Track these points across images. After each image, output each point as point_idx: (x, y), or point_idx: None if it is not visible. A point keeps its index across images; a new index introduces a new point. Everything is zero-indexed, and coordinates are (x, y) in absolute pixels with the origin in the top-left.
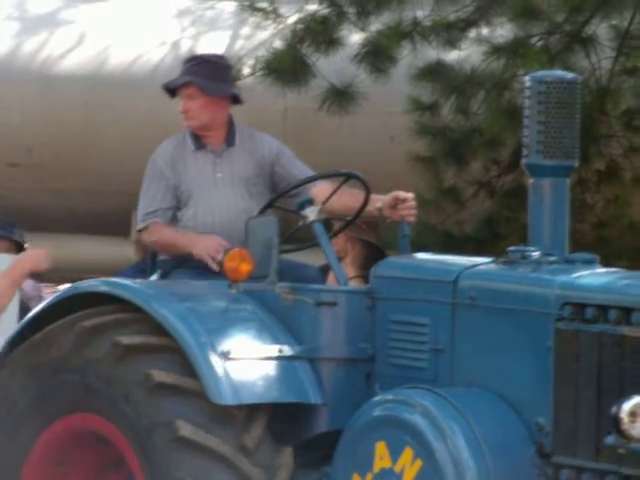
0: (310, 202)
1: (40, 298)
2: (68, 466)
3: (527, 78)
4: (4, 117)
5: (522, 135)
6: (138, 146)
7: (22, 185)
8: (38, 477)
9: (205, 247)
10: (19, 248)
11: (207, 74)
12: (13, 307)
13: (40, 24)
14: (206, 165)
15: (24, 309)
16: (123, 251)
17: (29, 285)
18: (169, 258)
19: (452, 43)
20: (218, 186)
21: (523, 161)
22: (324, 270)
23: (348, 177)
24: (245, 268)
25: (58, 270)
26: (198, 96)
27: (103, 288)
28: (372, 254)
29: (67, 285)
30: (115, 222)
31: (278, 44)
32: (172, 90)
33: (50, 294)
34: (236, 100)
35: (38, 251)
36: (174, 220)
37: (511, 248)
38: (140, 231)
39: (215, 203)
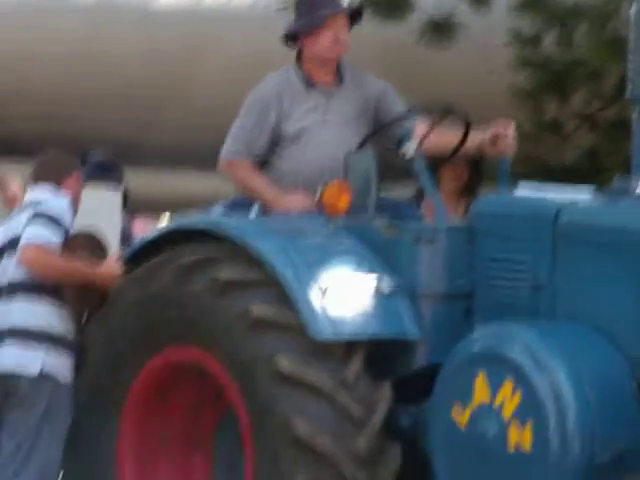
0: (409, 137)
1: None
2: (170, 398)
3: (633, 7)
4: (104, 49)
5: (626, 67)
6: (236, 79)
7: (120, 117)
8: (141, 407)
9: (289, 203)
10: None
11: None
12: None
13: None
14: (317, 104)
15: (124, 241)
16: (219, 185)
17: (126, 218)
18: None
19: None
20: (328, 125)
21: (627, 93)
22: (416, 199)
23: (447, 112)
24: (343, 203)
25: (159, 203)
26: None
27: (203, 224)
28: (468, 188)
29: (165, 216)
30: (212, 156)
31: None
32: (292, 36)
33: (150, 228)
34: None
35: (113, 268)
36: (263, 164)
37: (615, 179)
38: (224, 163)
39: (324, 142)
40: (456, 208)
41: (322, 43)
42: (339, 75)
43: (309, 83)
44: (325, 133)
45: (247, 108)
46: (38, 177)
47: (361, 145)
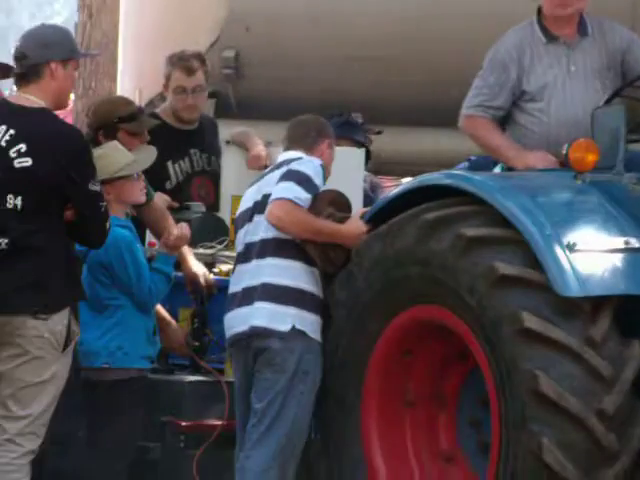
0: None
1: (382, 190)
2: (413, 356)
3: None
4: (346, 11)
5: None
6: (477, 37)
7: (365, 79)
8: (385, 366)
9: (532, 161)
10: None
11: None
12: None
13: None
14: (559, 58)
15: (368, 200)
16: (460, 144)
17: (369, 177)
18: None
19: None
20: (572, 79)
21: None
22: None
23: None
24: (591, 158)
25: (401, 163)
26: None
27: (446, 181)
28: None
29: (408, 178)
30: (455, 114)
31: None
32: None
33: (392, 187)
34: None
35: (357, 227)
36: (505, 121)
37: None
38: (464, 120)
39: (569, 97)
40: None
41: (547, 3)
42: (582, 27)
43: (550, 37)
44: (569, 87)
45: (488, 65)
46: (291, 140)
47: (609, 99)
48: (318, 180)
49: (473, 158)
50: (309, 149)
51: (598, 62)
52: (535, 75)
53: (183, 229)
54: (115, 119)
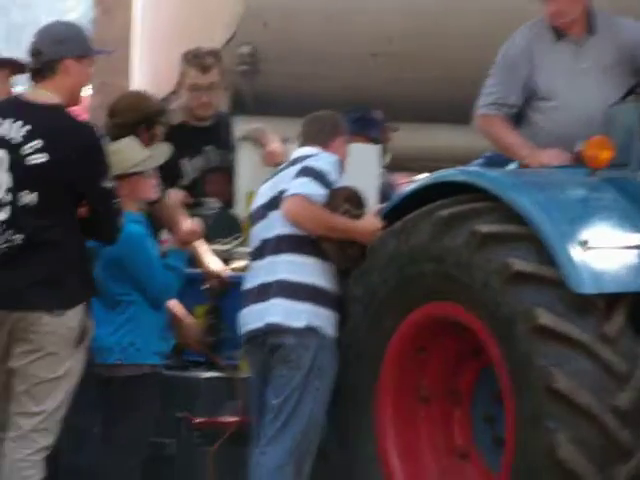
0: None
1: (396, 187)
2: (428, 352)
3: None
4: (363, 6)
5: None
6: (491, 34)
7: (382, 75)
8: (399, 362)
9: (545, 159)
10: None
11: None
12: (372, 195)
13: None
14: (569, 55)
15: (384, 196)
16: (476, 141)
17: (385, 173)
18: None
19: None
20: (582, 77)
21: None
22: None
23: None
24: (605, 155)
25: (416, 159)
26: None
27: (460, 177)
28: None
29: (425, 174)
30: (470, 111)
31: None
32: None
33: (407, 183)
34: None
35: (373, 223)
36: (519, 119)
37: None
38: (478, 119)
39: (580, 94)
40: None
41: (547, 12)
42: (590, 24)
43: (559, 34)
44: (580, 84)
45: (499, 63)
46: (306, 136)
47: (624, 97)
48: (334, 176)
49: (488, 154)
50: (324, 145)
51: (609, 58)
52: (546, 73)
53: (194, 224)
54: (155, 113)
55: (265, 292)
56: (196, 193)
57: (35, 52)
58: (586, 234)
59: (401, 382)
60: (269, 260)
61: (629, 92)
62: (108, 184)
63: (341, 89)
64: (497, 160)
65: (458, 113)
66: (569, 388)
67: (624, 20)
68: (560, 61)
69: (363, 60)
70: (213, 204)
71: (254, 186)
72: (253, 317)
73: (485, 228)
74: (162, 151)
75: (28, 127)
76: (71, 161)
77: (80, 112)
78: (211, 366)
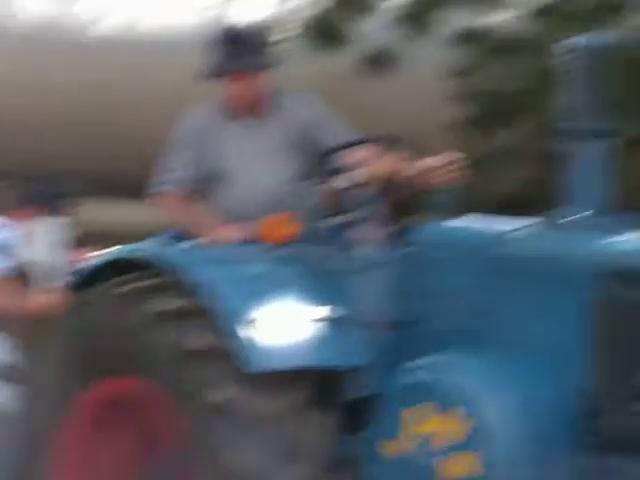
0: (338, 171)
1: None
2: (107, 431)
3: (564, 42)
4: (34, 80)
5: (558, 99)
6: (167, 108)
7: (53, 148)
8: (76, 442)
9: (224, 234)
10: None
11: (247, 51)
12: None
13: None
14: (240, 137)
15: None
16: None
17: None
18: None
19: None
20: (252, 158)
21: (559, 125)
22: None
23: (391, 142)
24: (283, 232)
25: (103, 234)
26: (256, 77)
27: (138, 254)
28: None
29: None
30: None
31: (313, 9)
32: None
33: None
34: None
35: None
36: (195, 194)
37: (550, 211)
38: (153, 197)
39: (250, 177)
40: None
41: (230, 91)
42: (264, 106)
43: (231, 116)
44: (251, 166)
45: (172, 143)
46: None
47: (309, 176)
48: (16, 249)
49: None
50: (8, 215)
51: (280, 139)
52: (216, 153)
53: None
54: None
55: None
56: None
57: None
58: (258, 311)
59: (82, 462)
60: None
61: (307, 174)
62: None
63: (16, 162)
64: (183, 235)
65: (136, 188)
66: (242, 465)
67: (297, 97)
68: (230, 142)
69: (39, 132)
70: None
71: None
72: None
73: (160, 306)
74: None
75: None
76: None
77: None
78: None
